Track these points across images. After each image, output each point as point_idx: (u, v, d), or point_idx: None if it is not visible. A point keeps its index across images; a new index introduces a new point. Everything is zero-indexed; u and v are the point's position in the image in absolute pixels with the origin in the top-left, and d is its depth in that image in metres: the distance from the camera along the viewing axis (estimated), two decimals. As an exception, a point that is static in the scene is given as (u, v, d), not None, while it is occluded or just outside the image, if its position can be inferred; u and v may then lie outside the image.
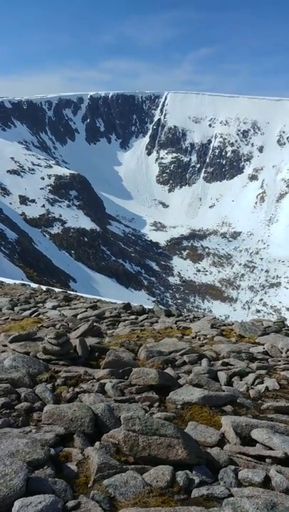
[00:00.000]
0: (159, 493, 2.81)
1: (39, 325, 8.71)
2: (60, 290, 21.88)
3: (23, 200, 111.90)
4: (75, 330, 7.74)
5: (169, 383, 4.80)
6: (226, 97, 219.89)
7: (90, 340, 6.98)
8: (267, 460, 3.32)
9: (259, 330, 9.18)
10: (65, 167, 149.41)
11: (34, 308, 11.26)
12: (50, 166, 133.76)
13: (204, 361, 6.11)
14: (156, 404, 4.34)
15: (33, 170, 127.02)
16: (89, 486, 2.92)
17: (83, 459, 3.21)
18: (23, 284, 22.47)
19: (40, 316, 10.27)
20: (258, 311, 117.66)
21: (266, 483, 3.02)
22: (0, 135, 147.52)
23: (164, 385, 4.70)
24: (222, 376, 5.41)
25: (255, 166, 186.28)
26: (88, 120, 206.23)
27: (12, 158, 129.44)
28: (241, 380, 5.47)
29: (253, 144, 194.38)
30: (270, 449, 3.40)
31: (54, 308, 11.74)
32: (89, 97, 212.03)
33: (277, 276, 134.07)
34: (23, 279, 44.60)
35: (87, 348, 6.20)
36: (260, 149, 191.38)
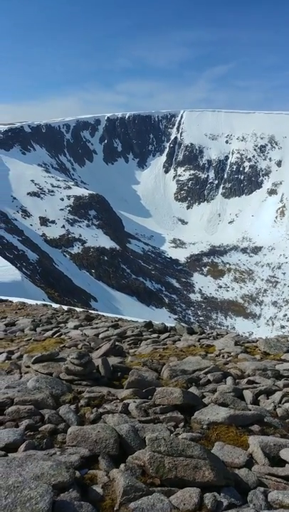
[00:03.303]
0: (187, 516, 2.74)
1: (61, 345, 8.73)
2: (82, 310, 21.97)
3: (44, 221, 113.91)
4: (97, 349, 7.73)
5: (193, 403, 4.72)
6: (241, 113, 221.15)
7: (113, 360, 6.95)
8: (297, 482, 3.21)
9: (284, 346, 8.98)
10: (84, 187, 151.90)
11: (56, 329, 11.31)
12: (70, 187, 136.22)
13: (229, 379, 6.00)
14: (182, 424, 4.26)
15: (52, 191, 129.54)
16: (115, 509, 2.87)
17: (109, 481, 3.17)
18: (45, 305, 22.67)
19: (62, 336, 10.31)
20: (283, 327, 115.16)
21: (297, 506, 2.91)
22: (20, 158, 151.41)
23: (188, 404, 4.63)
24: (248, 395, 5.29)
25: (274, 180, 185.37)
26: (106, 141, 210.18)
27: (32, 180, 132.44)
28: (268, 399, 5.34)
29: (270, 158, 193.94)
30: (301, 470, 3.29)
31: (76, 328, 11.77)
32: (106, 118, 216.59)
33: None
34: (44, 300, 45.00)
35: (109, 367, 6.17)
36: (279, 163, 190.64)
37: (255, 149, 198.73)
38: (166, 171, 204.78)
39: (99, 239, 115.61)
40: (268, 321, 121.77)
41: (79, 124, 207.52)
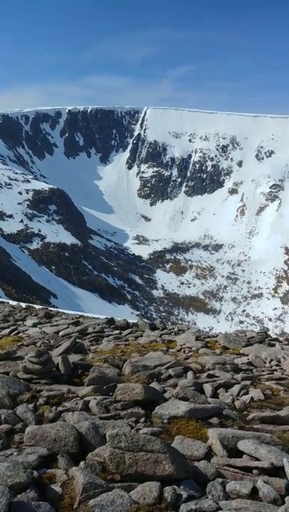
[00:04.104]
0: (147, 510, 2.75)
1: (19, 343, 8.55)
2: (41, 307, 21.60)
3: (0, 215, 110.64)
4: (57, 347, 7.61)
5: (154, 398, 4.75)
6: (205, 113, 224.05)
7: (73, 357, 6.87)
8: (254, 471, 3.30)
9: (243, 341, 9.23)
10: (44, 181, 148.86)
11: (13, 327, 11.07)
12: (28, 181, 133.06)
13: (190, 374, 6.08)
14: (142, 419, 4.28)
15: (10, 185, 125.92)
16: (74, 507, 2.83)
17: (68, 479, 3.13)
18: (1, 302, 22.11)
19: (20, 334, 10.09)
20: (241, 322, 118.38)
21: (254, 494, 3.00)
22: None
23: (149, 399, 4.65)
24: (208, 388, 5.39)
25: (235, 180, 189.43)
26: (67, 134, 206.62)
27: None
28: (227, 392, 5.46)
29: (232, 158, 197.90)
30: (257, 459, 3.39)
31: (34, 325, 11.56)
32: (67, 111, 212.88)
33: (259, 287, 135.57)
34: (1, 297, 43.86)
35: (70, 365, 6.10)
36: (240, 164, 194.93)
37: (217, 149, 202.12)
38: (130, 167, 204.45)
39: (59, 234, 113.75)
40: (227, 316, 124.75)
41: (38, 115, 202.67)
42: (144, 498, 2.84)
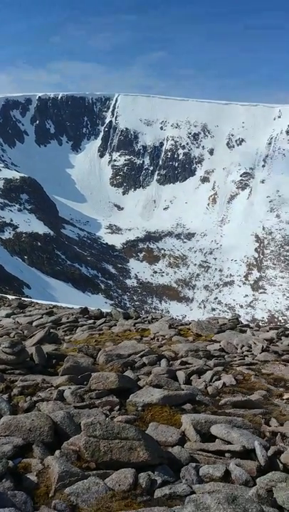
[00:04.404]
0: (122, 496, 2.80)
1: (-7, 334, 8.42)
2: (14, 297, 21.29)
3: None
4: (30, 337, 7.56)
5: (129, 386, 4.80)
6: (176, 100, 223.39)
7: (47, 348, 6.84)
8: (226, 454, 3.40)
9: (215, 328, 9.40)
10: (15, 170, 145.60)
11: (-13, 317, 10.89)
12: None
13: (163, 362, 6.17)
14: (117, 407, 4.32)
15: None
16: (50, 495, 2.85)
17: (43, 468, 3.14)
18: (-25, 293, 21.67)
19: (-6, 325, 9.95)
20: (214, 310, 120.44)
21: (226, 477, 3.09)
22: None
23: (124, 388, 4.69)
24: (181, 375, 5.48)
25: (207, 168, 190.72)
26: (37, 122, 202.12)
27: None
28: (199, 378, 5.57)
29: (203, 146, 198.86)
30: (229, 443, 3.49)
31: (8, 316, 11.42)
32: (37, 98, 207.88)
33: (230, 274, 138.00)
34: (-26, 287, 42.88)
35: (44, 355, 6.07)
36: (211, 152, 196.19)
37: (188, 137, 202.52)
38: (102, 156, 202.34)
39: (32, 224, 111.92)
40: (200, 304, 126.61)
41: (8, 102, 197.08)
42: (120, 485, 2.89)
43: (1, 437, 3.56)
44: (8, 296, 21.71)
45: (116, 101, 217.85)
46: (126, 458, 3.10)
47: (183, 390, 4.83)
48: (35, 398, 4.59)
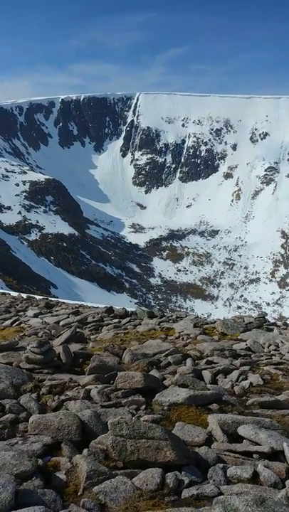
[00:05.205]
0: (150, 496, 2.81)
1: (21, 334, 8.60)
2: (41, 297, 21.65)
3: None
4: (57, 337, 7.67)
5: (154, 385, 4.81)
6: (197, 96, 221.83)
7: (74, 347, 6.93)
8: (254, 456, 3.36)
9: (241, 326, 9.30)
10: (40, 172, 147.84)
11: (15, 317, 11.12)
12: (25, 172, 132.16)
13: (188, 361, 6.15)
14: (143, 407, 4.34)
15: (7, 177, 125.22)
16: (79, 494, 2.90)
17: (72, 467, 3.19)
18: (3, 293, 22.14)
19: (22, 325, 10.15)
20: (239, 308, 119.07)
21: (254, 478, 3.06)
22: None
23: (149, 387, 4.71)
24: (206, 375, 5.45)
25: (230, 164, 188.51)
26: (61, 124, 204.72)
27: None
28: (226, 378, 5.53)
29: (226, 142, 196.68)
30: (257, 444, 3.45)
31: (36, 316, 11.62)
32: (60, 100, 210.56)
33: (256, 272, 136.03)
34: (2, 288, 43.88)
35: (70, 354, 6.15)
36: (234, 147, 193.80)
37: (211, 133, 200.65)
38: (124, 155, 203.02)
39: (57, 225, 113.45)
40: (225, 302, 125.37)
41: (32, 106, 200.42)
42: (147, 485, 2.90)
43: (30, 436, 3.64)
44: (35, 296, 22.10)
45: (137, 100, 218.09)
46: (153, 457, 3.11)
47: (209, 389, 4.81)
48: (62, 397, 4.66)
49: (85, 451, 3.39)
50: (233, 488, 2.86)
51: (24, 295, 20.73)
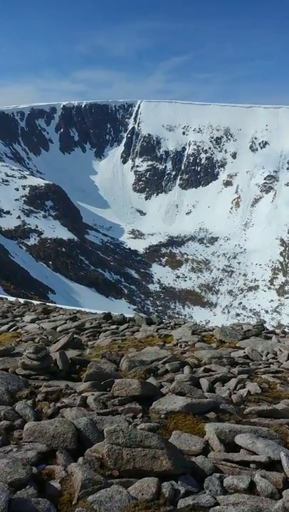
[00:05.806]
0: (145, 506, 2.77)
1: (17, 339, 8.55)
2: (39, 302, 21.59)
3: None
4: (54, 343, 7.63)
5: (151, 393, 4.78)
6: (197, 104, 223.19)
7: (71, 353, 6.89)
8: (251, 465, 3.33)
9: (239, 334, 9.26)
10: (40, 177, 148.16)
11: (12, 323, 11.07)
12: (25, 177, 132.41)
13: (186, 369, 6.11)
14: (140, 415, 4.30)
15: (7, 181, 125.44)
16: (73, 503, 2.86)
17: (67, 475, 3.15)
18: (0, 298, 22.07)
19: (19, 330, 10.10)
20: (238, 315, 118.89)
21: (251, 488, 3.02)
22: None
23: (146, 395, 4.67)
24: (204, 383, 5.42)
25: (229, 171, 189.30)
26: (62, 130, 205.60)
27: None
28: (223, 386, 5.49)
29: (226, 150, 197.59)
30: (254, 453, 3.41)
31: (33, 321, 11.57)
32: (62, 106, 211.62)
33: (255, 279, 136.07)
34: None
35: (67, 361, 6.11)
36: (234, 155, 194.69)
37: (211, 141, 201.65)
38: (124, 162, 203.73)
39: (56, 230, 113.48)
40: (223, 309, 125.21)
41: (34, 111, 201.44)
42: (143, 494, 2.86)
43: (25, 443, 3.59)
44: (33, 301, 22.04)
45: (138, 107, 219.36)
46: (149, 466, 3.08)
47: (206, 397, 4.77)
48: (58, 404, 4.62)
49: (80, 459, 3.35)
50: (230, 499, 2.82)
51: (22, 300, 20.67)
